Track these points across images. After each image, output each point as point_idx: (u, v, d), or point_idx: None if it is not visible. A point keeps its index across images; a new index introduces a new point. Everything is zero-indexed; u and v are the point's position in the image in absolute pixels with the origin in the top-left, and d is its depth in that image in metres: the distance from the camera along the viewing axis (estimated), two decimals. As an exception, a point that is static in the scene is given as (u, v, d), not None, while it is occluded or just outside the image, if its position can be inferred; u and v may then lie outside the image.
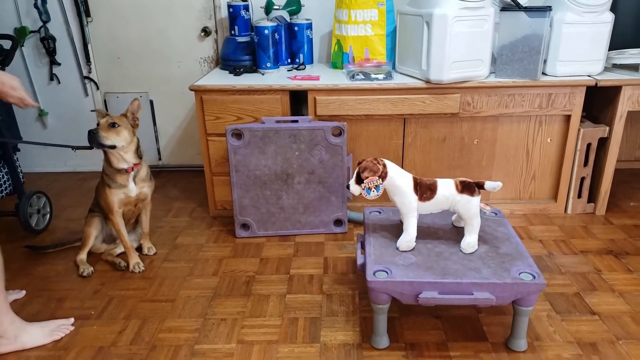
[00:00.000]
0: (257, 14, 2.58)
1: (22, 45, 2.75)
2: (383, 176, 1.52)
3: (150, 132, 2.95)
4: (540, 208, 2.36)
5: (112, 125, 1.77)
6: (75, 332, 1.63)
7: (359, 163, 1.54)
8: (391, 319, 1.64)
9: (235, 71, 2.35)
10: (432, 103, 2.14)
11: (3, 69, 2.13)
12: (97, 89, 2.87)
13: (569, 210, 2.36)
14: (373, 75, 2.16)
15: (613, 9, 2.12)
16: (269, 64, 2.37)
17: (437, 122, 2.21)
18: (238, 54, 2.44)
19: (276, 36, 2.36)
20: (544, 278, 1.41)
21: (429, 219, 1.75)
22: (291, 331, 1.61)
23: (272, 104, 2.17)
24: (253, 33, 2.42)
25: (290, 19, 2.47)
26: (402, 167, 1.79)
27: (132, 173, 1.86)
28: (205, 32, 2.72)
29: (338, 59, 2.41)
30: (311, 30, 2.50)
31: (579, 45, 2.10)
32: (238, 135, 2.06)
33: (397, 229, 1.68)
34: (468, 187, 1.52)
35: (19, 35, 2.69)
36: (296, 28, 2.45)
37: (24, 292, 1.83)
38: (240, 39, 2.46)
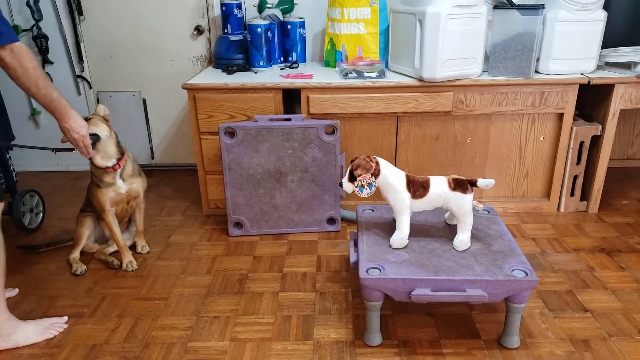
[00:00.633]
0: (250, 13, 2.58)
1: (14, 44, 2.73)
2: (376, 174, 1.52)
3: (143, 131, 2.94)
4: (533, 206, 2.37)
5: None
6: (68, 330, 1.62)
7: (352, 161, 1.54)
8: (384, 317, 1.64)
9: (228, 70, 2.34)
10: (425, 101, 2.14)
11: None
12: (90, 87, 2.86)
13: (562, 209, 2.37)
14: (366, 74, 2.16)
15: (606, 7, 2.12)
16: (261, 63, 2.37)
17: (430, 121, 2.22)
18: (231, 52, 2.43)
19: (269, 34, 2.36)
20: (536, 275, 1.41)
21: (421, 216, 1.75)
22: (284, 329, 1.61)
23: (265, 102, 2.17)
24: (246, 31, 2.41)
25: (283, 17, 2.47)
26: (395, 165, 1.79)
27: (119, 171, 1.85)
28: (198, 30, 2.71)
29: (331, 58, 2.41)
30: (304, 28, 2.49)
31: (572, 43, 2.10)
32: (231, 133, 2.06)
33: (390, 227, 1.68)
34: (461, 185, 1.52)
35: (11, 34, 2.67)
36: (289, 26, 2.45)
37: (16, 290, 1.82)
38: (233, 38, 2.45)
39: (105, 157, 1.81)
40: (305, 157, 2.09)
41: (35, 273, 1.96)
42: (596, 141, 2.25)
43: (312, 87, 2.13)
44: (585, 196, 2.37)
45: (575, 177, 2.32)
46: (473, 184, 1.52)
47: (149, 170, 2.96)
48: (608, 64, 2.27)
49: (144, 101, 2.88)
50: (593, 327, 1.60)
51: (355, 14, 2.28)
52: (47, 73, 2.81)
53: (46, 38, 2.73)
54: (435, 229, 1.68)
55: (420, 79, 2.10)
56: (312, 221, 2.19)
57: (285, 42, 2.49)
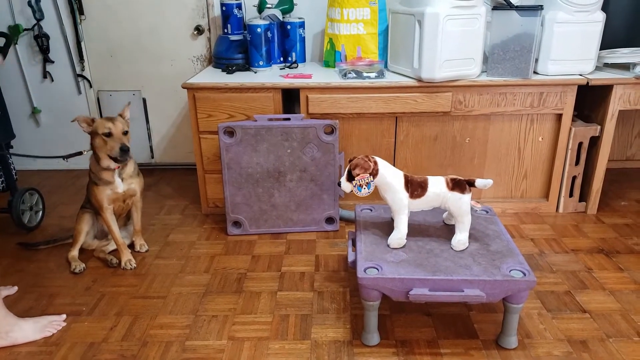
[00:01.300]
0: (250, 13, 2.59)
1: (16, 43, 2.74)
2: (374, 173, 1.52)
3: (143, 130, 2.95)
4: (531, 207, 2.37)
5: (125, 133, 1.81)
6: (66, 328, 1.63)
7: (350, 160, 1.54)
8: (382, 317, 1.64)
9: (228, 69, 2.35)
10: (423, 102, 2.15)
11: None
12: (90, 86, 2.86)
13: (561, 209, 2.38)
14: (365, 74, 2.16)
15: (604, 8, 2.13)
16: (261, 62, 2.38)
17: (429, 121, 2.22)
18: (231, 52, 2.44)
19: (269, 34, 2.36)
20: (534, 275, 1.41)
21: (420, 216, 1.76)
22: (282, 328, 1.61)
23: (264, 102, 2.17)
24: (246, 32, 2.42)
25: (283, 17, 2.47)
26: (393, 166, 1.80)
27: (118, 170, 1.86)
28: (198, 30, 2.72)
29: (330, 58, 2.42)
30: (304, 28, 2.50)
31: (571, 45, 2.11)
32: (230, 133, 2.06)
33: (388, 227, 1.68)
34: (459, 185, 1.52)
35: (13, 33, 2.68)
36: (289, 27, 2.46)
37: (15, 288, 1.82)
38: (233, 38, 2.46)
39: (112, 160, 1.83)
40: (304, 156, 2.09)
41: (34, 271, 1.96)
42: (595, 142, 2.26)
43: (312, 87, 2.13)
44: (584, 197, 2.37)
45: (574, 178, 2.32)
46: (471, 184, 1.52)
47: (148, 169, 2.97)
48: (607, 65, 2.28)
49: (144, 100, 2.89)
50: (591, 327, 1.60)
51: (355, 15, 2.29)
52: (48, 72, 2.83)
53: (47, 37, 2.73)
54: (433, 229, 1.68)
55: (419, 80, 2.11)
56: (310, 220, 2.20)
57: (284, 42, 2.49)
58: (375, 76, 2.16)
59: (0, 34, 2.19)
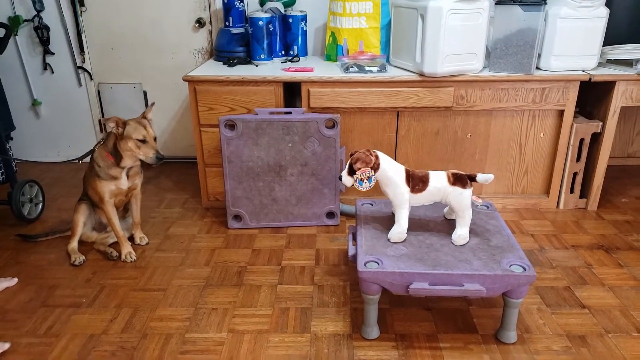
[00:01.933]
0: (251, 6, 2.57)
1: (16, 35, 2.72)
2: (375, 167, 1.52)
3: (144, 123, 2.93)
4: (532, 203, 2.37)
5: (155, 139, 1.84)
6: (66, 319, 1.63)
7: (352, 154, 1.54)
8: (382, 311, 1.64)
9: (229, 62, 2.34)
10: (425, 96, 2.14)
11: None
12: (91, 79, 2.85)
13: (561, 205, 2.38)
14: (367, 68, 2.16)
15: (608, 4, 2.12)
16: (262, 56, 2.37)
17: (431, 116, 2.21)
18: (232, 45, 2.43)
19: (270, 28, 2.35)
20: (534, 270, 1.41)
21: (420, 211, 1.76)
22: (282, 321, 1.61)
23: (265, 95, 2.16)
24: (247, 25, 2.41)
25: (285, 10, 2.46)
26: (394, 161, 1.79)
27: (126, 168, 1.86)
28: (200, 23, 2.70)
29: (332, 52, 2.41)
30: (306, 22, 2.49)
31: (574, 40, 2.10)
32: (231, 126, 2.06)
33: (388, 221, 1.68)
34: (460, 179, 1.52)
35: (13, 24, 2.67)
36: (291, 20, 2.44)
37: (15, 280, 1.82)
38: (235, 31, 2.45)
39: (133, 159, 1.84)
40: (305, 150, 2.09)
41: (34, 263, 1.96)
42: (596, 138, 2.25)
43: (313, 80, 2.13)
44: (584, 193, 2.37)
45: (575, 174, 2.32)
46: (472, 178, 1.52)
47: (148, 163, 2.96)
48: (609, 61, 2.27)
49: (145, 93, 2.88)
50: (590, 323, 1.60)
51: (357, 8, 2.27)
52: (48, 64, 2.81)
53: (47, 29, 2.72)
54: (434, 224, 1.68)
55: (421, 74, 2.10)
56: (311, 215, 2.20)
57: (286, 36, 2.48)
58: (377, 70, 2.15)
59: (0, 24, 2.18)
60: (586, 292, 1.76)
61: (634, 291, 1.76)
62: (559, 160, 2.28)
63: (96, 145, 1.88)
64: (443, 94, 2.14)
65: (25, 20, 2.70)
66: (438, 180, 1.53)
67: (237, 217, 2.19)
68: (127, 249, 1.97)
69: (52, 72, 2.83)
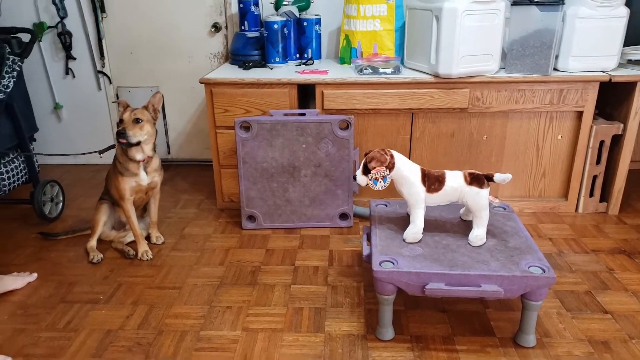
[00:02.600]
0: (267, 10, 2.60)
1: (40, 40, 2.80)
2: (390, 167, 1.51)
3: (160, 126, 2.98)
4: (550, 206, 2.33)
5: (137, 121, 1.82)
6: (84, 315, 1.65)
7: (366, 154, 1.54)
8: (397, 312, 1.63)
9: (245, 65, 2.37)
10: (440, 98, 2.13)
11: (22, 61, 2.18)
12: (110, 83, 2.91)
13: (580, 209, 2.33)
14: (381, 70, 2.16)
15: (628, 3, 2.08)
16: (277, 59, 2.39)
17: (446, 117, 2.20)
18: (247, 48, 2.45)
19: (285, 31, 2.37)
20: (554, 272, 1.38)
21: (436, 212, 1.74)
22: (296, 320, 1.61)
23: (280, 97, 2.18)
24: (262, 29, 2.43)
25: (300, 14, 2.48)
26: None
27: (142, 164, 1.89)
28: (216, 27, 2.74)
29: (346, 54, 2.42)
30: (320, 25, 2.50)
31: (593, 40, 2.07)
32: (246, 127, 2.08)
33: (403, 222, 1.67)
34: (477, 179, 1.50)
35: (38, 31, 2.75)
36: (305, 23, 2.46)
37: (35, 275, 1.86)
38: (250, 34, 2.48)
39: (139, 152, 1.86)
40: (319, 151, 2.09)
41: (54, 260, 2.00)
42: (617, 141, 2.21)
43: (327, 82, 2.14)
44: (604, 197, 2.32)
45: (595, 177, 2.27)
46: (489, 178, 1.50)
47: (164, 165, 2.98)
48: (630, 61, 2.23)
49: (162, 97, 2.92)
50: (613, 328, 1.56)
51: (371, 11, 2.28)
52: (70, 69, 2.88)
53: (70, 35, 2.79)
54: (450, 225, 1.66)
55: (436, 75, 2.09)
56: (324, 216, 2.19)
57: (301, 39, 2.50)
58: (392, 72, 2.15)
59: (26, 30, 2.24)
60: (608, 297, 1.71)
61: (657, 296, 1.71)
62: (577, 163, 2.24)
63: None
64: (458, 96, 2.12)
65: (49, 27, 2.78)
66: (454, 179, 1.51)
67: (251, 218, 2.20)
68: (143, 247, 2.00)
69: (74, 77, 2.90)
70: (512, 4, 2.08)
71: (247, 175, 2.12)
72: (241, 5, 2.47)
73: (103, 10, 2.77)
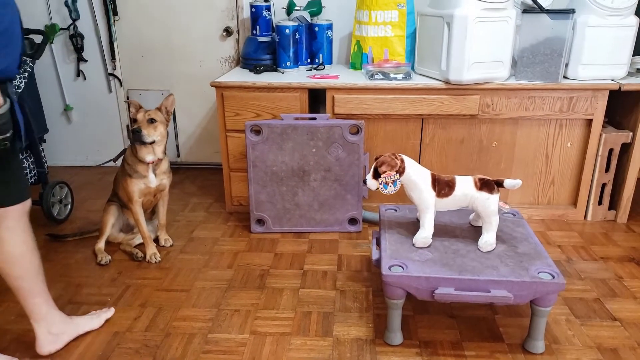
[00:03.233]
0: (278, 15, 2.62)
1: (52, 42, 2.83)
2: (401, 171, 1.51)
3: (170, 129, 2.99)
4: (559, 214, 2.32)
5: (151, 121, 1.84)
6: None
7: (377, 158, 1.54)
8: (405, 317, 1.62)
9: (256, 69, 2.38)
10: (451, 104, 2.13)
11: (33, 62, 2.20)
12: (121, 85, 2.94)
13: (589, 217, 2.32)
14: (392, 75, 2.17)
15: (638, 12, 2.09)
16: (288, 63, 2.40)
17: (456, 123, 2.20)
18: (259, 53, 2.47)
19: (297, 36, 2.39)
20: (563, 278, 1.38)
21: (446, 217, 1.74)
22: (304, 324, 1.61)
23: (290, 101, 2.19)
24: (274, 33, 2.45)
25: (311, 19, 2.50)
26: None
27: (152, 166, 1.90)
28: (227, 32, 2.77)
29: (357, 60, 2.43)
30: (331, 31, 2.52)
31: (603, 49, 2.07)
32: (257, 131, 2.09)
33: (413, 227, 1.67)
34: (487, 185, 1.51)
35: (50, 33, 2.78)
36: (317, 29, 2.48)
37: (112, 310, 1.68)
38: (262, 39, 2.50)
39: (150, 153, 1.87)
40: (329, 156, 2.10)
41: (62, 262, 2.01)
42: (626, 149, 2.20)
43: (338, 87, 2.15)
44: (613, 205, 2.31)
45: (604, 185, 2.27)
46: (499, 184, 1.50)
47: (174, 168, 2.99)
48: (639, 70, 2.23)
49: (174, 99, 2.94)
50: (622, 336, 1.55)
51: (383, 17, 2.30)
52: (81, 71, 2.91)
53: (82, 37, 2.83)
54: (459, 230, 1.66)
55: (447, 82, 2.10)
56: (333, 221, 2.20)
57: (312, 44, 2.52)
58: (402, 77, 2.16)
59: (37, 31, 2.27)
60: (617, 305, 1.70)
61: (668, 305, 1.70)
62: (586, 171, 2.23)
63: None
64: (468, 102, 2.13)
65: (62, 29, 2.81)
66: (464, 185, 1.52)
67: (260, 221, 2.21)
68: (152, 249, 2.00)
69: (85, 79, 2.93)
70: (522, 12, 2.09)
71: (257, 179, 2.13)
72: (253, 10, 2.49)
73: (115, 13, 2.80)
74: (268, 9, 2.48)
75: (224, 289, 1.80)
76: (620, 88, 2.08)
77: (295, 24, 2.38)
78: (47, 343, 1.47)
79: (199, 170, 3.04)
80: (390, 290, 1.45)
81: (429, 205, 1.54)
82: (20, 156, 2.15)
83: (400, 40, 2.33)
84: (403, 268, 1.45)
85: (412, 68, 2.34)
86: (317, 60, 2.53)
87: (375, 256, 1.62)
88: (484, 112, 2.15)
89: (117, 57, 2.87)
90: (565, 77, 2.16)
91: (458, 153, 2.26)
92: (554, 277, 1.38)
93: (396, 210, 1.82)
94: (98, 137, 3.05)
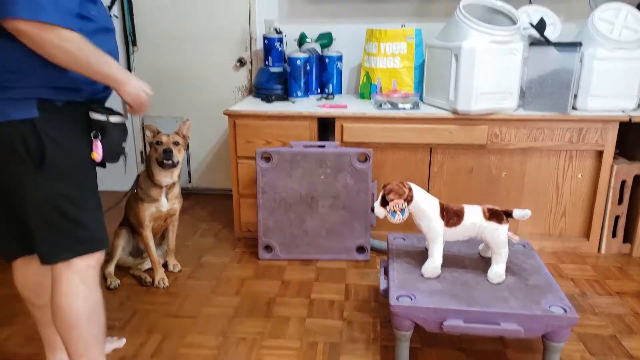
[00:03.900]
0: (290, 47, 2.70)
1: (72, 71, 2.94)
2: (409, 199, 1.52)
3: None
4: (571, 246, 2.28)
5: (175, 143, 1.90)
6: (97, 342, 1.65)
7: (385, 186, 1.55)
8: (413, 350, 1.59)
9: (268, 99, 2.44)
10: (459, 134, 2.15)
11: None
12: (136, 113, 3.01)
13: (603, 250, 2.27)
14: (400, 105, 2.20)
15: (646, 46, 2.10)
16: (299, 93, 2.46)
17: (465, 153, 2.21)
18: (271, 83, 2.54)
19: (307, 67, 2.45)
20: (576, 312, 1.35)
21: (455, 247, 1.72)
22: (310, 355, 1.58)
23: (300, 130, 2.23)
24: (286, 64, 2.52)
25: (322, 51, 2.57)
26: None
27: (165, 189, 1.93)
28: (241, 62, 2.85)
29: (366, 90, 2.47)
30: (341, 62, 2.58)
31: (611, 81, 2.08)
32: (267, 158, 2.12)
33: (421, 256, 1.65)
34: (496, 215, 1.50)
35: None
36: (327, 60, 2.54)
37: (124, 340, 1.67)
38: (274, 70, 2.56)
39: (168, 176, 1.91)
40: (337, 183, 2.11)
41: (72, 285, 2.02)
42: (639, 181, 2.18)
43: (347, 116, 2.18)
44: (628, 238, 2.27)
45: (617, 218, 2.23)
46: (509, 214, 1.49)
47: (185, 193, 3.03)
48: (650, 102, 2.23)
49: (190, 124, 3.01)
50: (639, 375, 1.50)
51: (392, 49, 2.35)
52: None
53: (101, 66, 2.92)
54: (469, 261, 1.64)
55: (455, 112, 2.12)
56: (341, 248, 2.19)
57: (322, 75, 2.58)
58: (410, 107, 2.19)
59: None
60: (634, 342, 1.65)
61: (687, 343, 1.64)
62: (599, 203, 2.21)
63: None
64: (477, 132, 2.14)
65: (82, 59, 2.92)
66: (473, 214, 1.51)
67: (268, 248, 2.21)
68: (160, 275, 2.01)
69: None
70: (530, 45, 2.13)
71: (266, 205, 2.14)
72: (266, 42, 2.57)
73: (135, 44, 2.91)
74: (280, 40, 2.56)
75: (231, 316, 1.79)
76: (630, 120, 2.07)
77: (307, 55, 2.45)
78: None
79: (209, 196, 3.07)
80: (398, 321, 1.42)
81: (437, 235, 1.53)
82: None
83: (408, 72, 2.37)
84: (411, 299, 1.43)
85: (421, 98, 2.37)
86: (327, 90, 2.58)
87: (383, 286, 1.61)
88: (493, 142, 2.16)
89: (134, 85, 2.96)
90: (574, 108, 2.16)
91: (467, 183, 2.25)
92: (566, 311, 1.35)
93: (405, 239, 1.81)
94: (116, 164, 3.10)
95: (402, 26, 2.40)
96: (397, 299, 1.43)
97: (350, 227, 2.16)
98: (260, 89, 2.56)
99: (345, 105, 2.32)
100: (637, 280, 2.05)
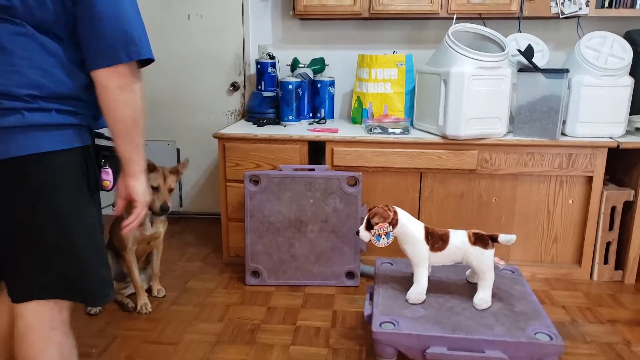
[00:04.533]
0: (283, 72, 2.73)
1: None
2: (393, 223, 1.50)
3: (175, 178, 3.05)
4: (563, 273, 2.25)
5: (171, 190, 1.93)
6: (74, 368, 1.60)
7: (370, 209, 1.54)
8: (399, 378, 1.54)
9: (259, 122, 2.45)
10: (449, 159, 2.15)
11: None
12: (130, 136, 3.02)
13: (595, 277, 2.24)
14: (390, 130, 2.21)
15: (632, 73, 2.13)
16: (291, 117, 2.47)
17: (455, 178, 2.21)
18: (263, 107, 2.55)
19: (299, 91, 2.48)
20: (562, 340, 1.31)
21: (441, 272, 1.70)
22: (292, 383, 1.53)
23: (290, 153, 2.23)
24: (278, 88, 2.55)
25: (314, 76, 2.60)
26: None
27: (150, 213, 1.92)
28: (234, 86, 2.88)
29: (357, 115, 2.49)
30: (333, 87, 2.61)
31: (599, 107, 2.10)
32: (255, 181, 2.11)
33: (408, 282, 1.63)
34: (481, 239, 1.48)
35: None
36: (319, 85, 2.57)
37: None
38: (266, 94, 2.59)
39: (154, 203, 1.91)
40: (327, 207, 2.10)
41: (53, 308, 1.97)
42: (629, 207, 2.17)
43: (337, 140, 2.19)
44: (620, 265, 2.23)
45: (609, 244, 2.21)
46: (494, 239, 1.48)
47: (175, 218, 3.03)
48: (638, 129, 2.24)
49: (178, 150, 3.02)
50: (632, 408, 1.45)
51: (383, 75, 2.38)
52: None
53: (96, 90, 2.95)
54: (455, 286, 1.62)
55: (444, 137, 2.13)
56: (330, 274, 2.15)
57: (314, 99, 2.60)
58: (401, 132, 2.20)
59: None
60: (626, 373, 1.60)
61: (682, 374, 1.59)
62: (590, 229, 2.19)
63: None
64: (467, 157, 2.14)
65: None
66: (458, 239, 1.49)
67: (256, 273, 2.17)
68: (143, 300, 1.97)
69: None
70: (518, 71, 2.15)
71: (254, 229, 2.12)
72: (259, 67, 2.60)
73: (130, 69, 2.94)
74: (273, 65, 2.59)
75: (213, 344, 1.75)
76: (618, 146, 2.08)
77: (299, 80, 2.47)
78: None
79: (200, 220, 3.04)
80: (381, 348, 1.39)
81: (422, 259, 1.50)
82: None
83: (399, 97, 2.39)
84: (394, 325, 1.39)
85: (411, 124, 2.38)
86: (319, 115, 2.60)
87: (367, 312, 1.57)
88: (483, 167, 2.16)
89: (128, 108, 2.98)
90: (563, 134, 2.17)
91: (457, 208, 2.24)
92: (552, 338, 1.32)
93: (392, 264, 1.78)
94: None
95: (393, 52, 2.44)
96: (380, 325, 1.40)
97: (340, 252, 2.13)
98: (252, 113, 2.58)
99: (336, 129, 2.33)
100: (629, 308, 2.01)
